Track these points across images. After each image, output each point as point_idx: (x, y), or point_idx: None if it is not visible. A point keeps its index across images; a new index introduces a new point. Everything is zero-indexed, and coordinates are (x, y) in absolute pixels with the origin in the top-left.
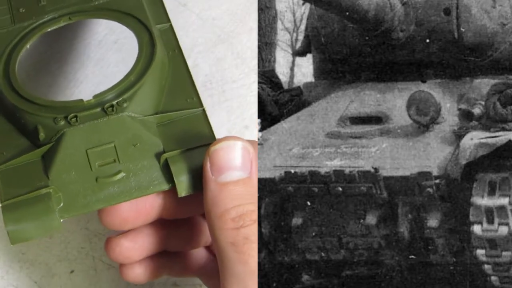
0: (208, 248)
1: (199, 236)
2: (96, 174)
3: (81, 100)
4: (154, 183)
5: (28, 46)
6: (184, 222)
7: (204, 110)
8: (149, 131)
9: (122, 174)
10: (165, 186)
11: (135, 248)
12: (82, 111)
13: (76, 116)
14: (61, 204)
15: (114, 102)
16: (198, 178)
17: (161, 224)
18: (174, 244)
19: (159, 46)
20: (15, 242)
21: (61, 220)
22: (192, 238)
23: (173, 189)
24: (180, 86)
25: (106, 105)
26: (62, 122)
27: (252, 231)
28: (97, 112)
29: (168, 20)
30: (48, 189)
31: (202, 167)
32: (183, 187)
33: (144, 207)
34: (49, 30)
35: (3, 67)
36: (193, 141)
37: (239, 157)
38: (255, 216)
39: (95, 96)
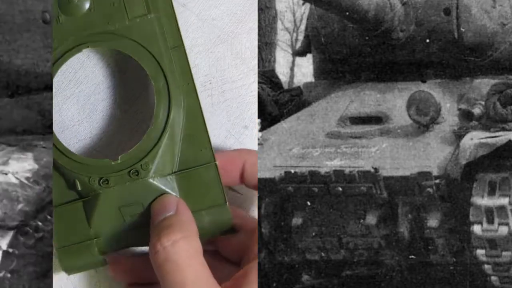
0: None
1: None
2: (128, 223)
3: (109, 161)
4: None
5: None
6: None
7: (216, 165)
8: (169, 189)
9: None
10: None
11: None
12: (111, 173)
13: (107, 180)
14: (101, 246)
15: (139, 166)
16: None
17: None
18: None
19: (174, 90)
20: (70, 274)
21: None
22: None
23: None
24: (195, 131)
25: (131, 170)
26: (96, 184)
27: (171, 252)
28: (124, 175)
29: (181, 40)
30: (92, 241)
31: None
32: None
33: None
34: (70, 59)
35: None
36: (205, 200)
37: (166, 203)
38: (173, 237)
39: (121, 158)
